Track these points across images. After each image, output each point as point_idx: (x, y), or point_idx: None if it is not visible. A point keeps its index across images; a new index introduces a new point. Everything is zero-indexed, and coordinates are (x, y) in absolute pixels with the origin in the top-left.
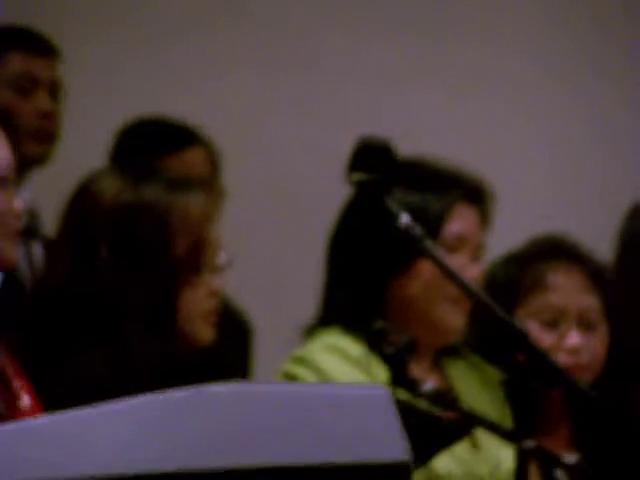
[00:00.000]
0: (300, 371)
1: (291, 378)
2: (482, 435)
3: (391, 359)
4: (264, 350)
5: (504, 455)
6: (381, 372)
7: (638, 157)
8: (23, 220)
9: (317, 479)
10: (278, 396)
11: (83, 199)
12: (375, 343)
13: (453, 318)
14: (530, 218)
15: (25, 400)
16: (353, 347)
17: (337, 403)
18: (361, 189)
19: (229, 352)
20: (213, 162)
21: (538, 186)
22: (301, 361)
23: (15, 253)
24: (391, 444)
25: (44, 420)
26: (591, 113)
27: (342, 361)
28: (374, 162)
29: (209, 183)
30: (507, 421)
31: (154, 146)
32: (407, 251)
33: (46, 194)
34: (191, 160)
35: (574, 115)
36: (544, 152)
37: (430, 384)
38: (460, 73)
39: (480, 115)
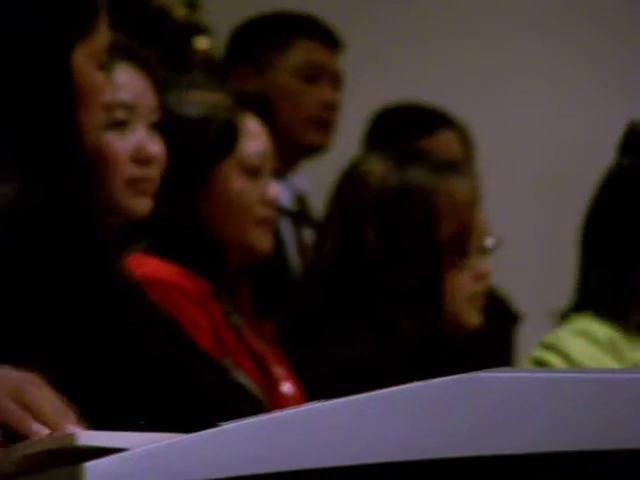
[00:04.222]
0: (549, 357)
1: (540, 364)
2: None
3: None
4: (524, 335)
5: None
6: (633, 356)
7: None
8: (275, 208)
9: (594, 466)
10: (550, 382)
11: (350, 183)
12: None
13: None
14: None
15: (286, 387)
16: (603, 331)
17: (609, 388)
18: (629, 172)
19: (494, 337)
20: (466, 144)
21: None
22: (550, 347)
23: (265, 241)
24: None
25: (311, 407)
26: None
27: (591, 346)
28: None
29: (465, 165)
30: None
31: (408, 128)
32: None
33: (314, 178)
34: (444, 142)
35: None
36: None
37: None
38: None
39: None
